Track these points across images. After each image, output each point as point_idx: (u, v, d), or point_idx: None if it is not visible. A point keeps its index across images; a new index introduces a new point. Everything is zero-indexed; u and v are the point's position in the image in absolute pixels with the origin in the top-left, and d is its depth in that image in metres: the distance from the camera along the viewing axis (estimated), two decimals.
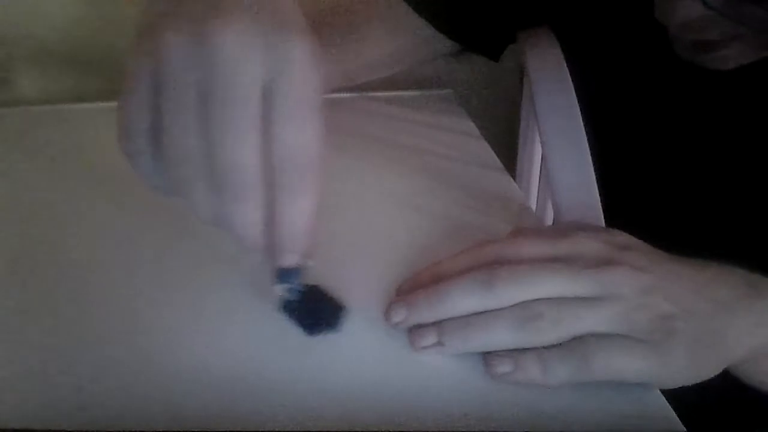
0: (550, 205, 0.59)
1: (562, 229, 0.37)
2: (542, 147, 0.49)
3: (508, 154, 0.64)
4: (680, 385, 0.31)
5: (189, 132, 0.26)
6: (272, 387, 0.32)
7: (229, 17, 0.26)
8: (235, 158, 0.26)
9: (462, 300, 0.33)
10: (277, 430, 0.30)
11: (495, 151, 0.57)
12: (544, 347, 0.32)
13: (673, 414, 0.31)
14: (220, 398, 0.32)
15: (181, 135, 0.26)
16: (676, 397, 0.32)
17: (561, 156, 0.47)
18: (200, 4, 0.26)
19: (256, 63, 0.26)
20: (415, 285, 0.36)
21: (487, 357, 0.33)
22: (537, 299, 0.32)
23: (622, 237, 0.35)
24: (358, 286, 0.39)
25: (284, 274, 0.32)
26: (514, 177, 0.57)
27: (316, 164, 0.27)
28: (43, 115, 0.67)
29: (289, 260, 0.30)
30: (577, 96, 0.49)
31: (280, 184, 0.27)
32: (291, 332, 0.35)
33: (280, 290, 0.32)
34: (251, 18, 0.26)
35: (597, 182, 0.45)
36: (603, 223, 0.44)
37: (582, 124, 0.47)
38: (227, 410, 0.31)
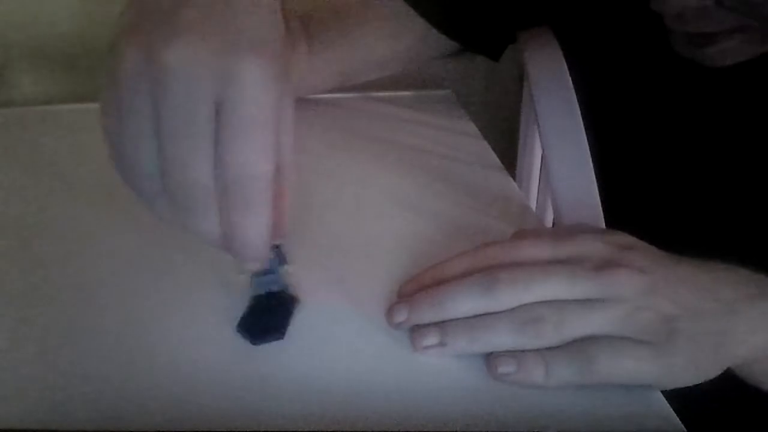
0: (550, 205, 0.59)
1: (564, 231, 0.37)
2: (542, 147, 0.49)
3: (508, 154, 0.64)
4: (682, 386, 0.31)
5: (143, 148, 0.27)
6: (272, 387, 0.32)
7: (182, 36, 0.26)
8: (185, 176, 0.27)
9: (464, 302, 0.33)
10: (276, 430, 0.30)
11: (495, 151, 0.57)
12: (547, 348, 0.32)
13: (673, 414, 0.31)
14: (220, 398, 0.32)
15: (136, 150, 0.27)
16: (677, 397, 0.32)
17: (561, 156, 0.47)
18: (159, 22, 0.26)
19: (204, 82, 0.26)
20: (417, 286, 0.36)
21: (489, 357, 0.33)
22: (539, 302, 0.32)
23: (624, 238, 0.35)
24: (359, 286, 0.39)
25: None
26: (514, 177, 0.57)
27: (264, 182, 0.27)
28: (43, 115, 0.67)
29: (250, 267, 0.32)
30: (577, 96, 0.49)
31: (227, 201, 0.27)
32: (292, 332, 0.36)
33: (239, 278, 0.34)
34: (204, 36, 0.26)
35: (597, 182, 0.45)
36: (603, 223, 0.44)
37: (582, 124, 0.47)
38: (227, 410, 0.31)
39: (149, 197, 0.28)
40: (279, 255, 0.35)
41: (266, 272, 0.34)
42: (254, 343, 0.35)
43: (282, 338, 0.35)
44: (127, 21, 0.28)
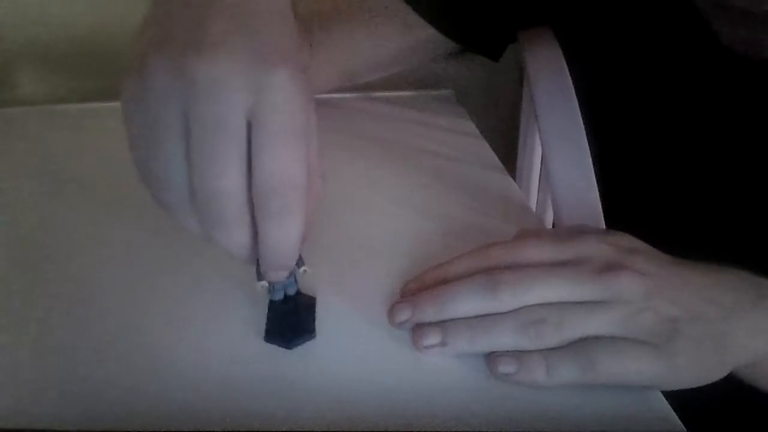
0: (550, 205, 0.59)
1: (566, 232, 0.37)
2: (542, 147, 0.49)
3: (508, 154, 0.64)
4: (684, 387, 0.31)
5: (172, 159, 0.27)
6: (273, 387, 0.32)
7: (211, 49, 0.26)
8: (217, 188, 0.27)
9: (466, 303, 0.33)
10: (277, 430, 0.30)
11: (495, 151, 0.57)
12: (548, 348, 0.32)
13: (674, 414, 0.31)
14: (221, 398, 0.32)
15: (164, 161, 0.27)
16: (677, 397, 0.32)
17: (561, 156, 0.47)
18: (185, 35, 0.27)
19: (235, 94, 0.26)
20: (420, 286, 0.37)
21: (490, 357, 0.33)
22: (540, 303, 0.32)
23: (627, 240, 0.35)
24: (359, 286, 0.39)
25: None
26: (514, 177, 0.57)
27: (300, 189, 0.28)
28: (43, 115, 0.67)
29: (275, 277, 0.32)
30: (577, 96, 0.49)
31: (262, 210, 0.28)
32: None
33: (259, 287, 0.33)
34: (233, 49, 0.26)
35: (597, 182, 0.45)
36: (603, 223, 0.44)
37: (582, 124, 0.47)
38: (228, 410, 0.31)
39: (175, 208, 0.28)
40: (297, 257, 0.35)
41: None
42: (289, 348, 0.35)
43: (314, 337, 0.35)
44: (150, 32, 0.28)
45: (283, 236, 0.28)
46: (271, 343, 0.35)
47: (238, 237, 0.28)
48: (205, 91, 0.26)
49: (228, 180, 0.27)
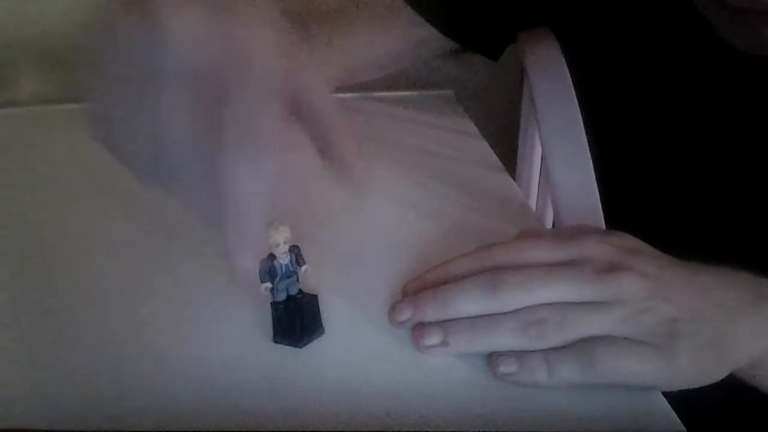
0: (550, 205, 0.59)
1: (569, 232, 0.37)
2: (542, 147, 0.49)
3: (508, 154, 0.64)
4: (685, 388, 0.31)
5: (137, 112, 0.26)
6: (273, 387, 0.32)
7: (183, 4, 0.26)
8: (173, 134, 0.26)
9: (467, 303, 0.33)
10: (277, 430, 0.30)
11: (495, 151, 0.57)
12: (550, 348, 0.32)
13: (674, 414, 0.31)
14: (221, 398, 0.32)
15: (129, 114, 0.26)
16: (677, 397, 0.32)
17: (561, 156, 0.47)
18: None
19: (202, 44, 0.25)
20: (421, 285, 0.37)
21: (492, 357, 0.33)
22: (542, 303, 0.32)
23: (628, 241, 0.35)
24: (358, 285, 0.39)
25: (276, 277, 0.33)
26: (514, 177, 0.57)
27: (271, 138, 0.26)
28: (43, 115, 0.67)
29: (239, 253, 0.28)
30: (577, 96, 0.49)
31: (229, 147, 0.26)
32: None
33: (263, 288, 0.33)
34: (206, 8, 0.26)
35: (597, 182, 0.45)
36: (603, 223, 0.44)
37: (582, 124, 0.47)
38: (228, 410, 0.31)
39: (140, 168, 0.27)
40: (297, 256, 0.34)
41: (287, 275, 0.34)
42: (300, 347, 0.35)
43: (323, 333, 0.35)
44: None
45: (244, 187, 0.26)
46: (281, 343, 0.35)
47: (192, 183, 0.26)
48: (170, 39, 0.25)
49: (184, 126, 0.25)
